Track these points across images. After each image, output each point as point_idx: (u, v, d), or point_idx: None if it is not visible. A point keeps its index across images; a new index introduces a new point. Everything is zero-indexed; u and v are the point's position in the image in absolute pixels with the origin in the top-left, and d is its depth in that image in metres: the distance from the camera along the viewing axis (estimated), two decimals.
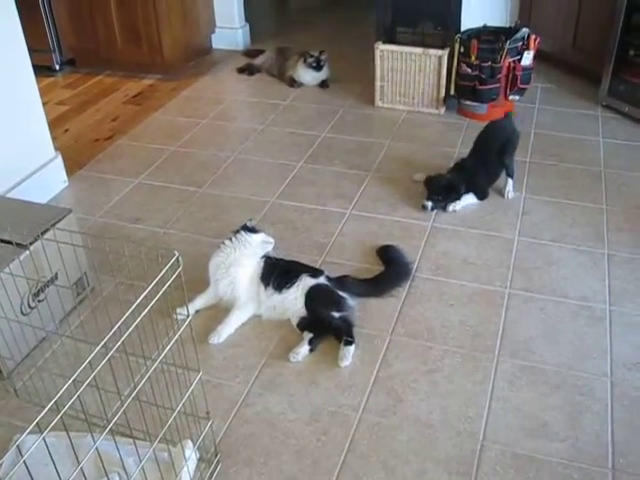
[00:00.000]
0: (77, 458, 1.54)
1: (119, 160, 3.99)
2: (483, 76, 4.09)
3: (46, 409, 1.35)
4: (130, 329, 1.56)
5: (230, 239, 2.76)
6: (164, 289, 1.64)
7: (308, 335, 2.60)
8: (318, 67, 4.82)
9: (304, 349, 2.55)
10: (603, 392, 2.38)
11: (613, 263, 3.02)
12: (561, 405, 2.34)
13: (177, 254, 1.68)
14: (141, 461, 1.81)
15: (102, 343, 1.48)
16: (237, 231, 2.78)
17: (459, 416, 2.30)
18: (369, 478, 2.11)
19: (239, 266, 2.72)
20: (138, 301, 1.57)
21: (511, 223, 3.30)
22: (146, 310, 1.57)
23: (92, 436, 1.59)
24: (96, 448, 1.57)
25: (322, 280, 2.72)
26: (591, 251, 3.10)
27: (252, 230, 2.78)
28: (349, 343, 2.55)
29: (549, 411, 2.32)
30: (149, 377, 1.78)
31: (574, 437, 2.22)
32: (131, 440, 1.82)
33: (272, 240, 2.80)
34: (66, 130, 4.39)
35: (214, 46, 5.65)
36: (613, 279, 2.92)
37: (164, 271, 1.64)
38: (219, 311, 2.74)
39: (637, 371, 2.47)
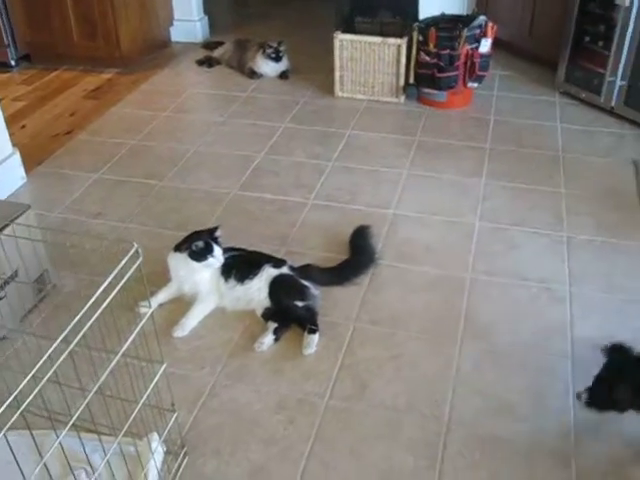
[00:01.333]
0: (40, 455, 1.52)
1: (78, 155, 3.94)
2: (442, 64, 4.11)
3: (5, 405, 1.33)
4: (91, 321, 1.54)
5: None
6: (124, 280, 1.63)
7: (272, 325, 2.60)
8: (277, 58, 4.81)
9: (269, 339, 2.55)
10: (565, 372, 2.42)
11: (572, 246, 3.07)
12: (524, 386, 2.37)
13: (136, 245, 1.67)
14: (107, 456, 1.79)
15: (61, 337, 1.46)
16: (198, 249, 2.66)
17: (424, 400, 2.32)
18: (336, 464, 2.12)
19: (200, 272, 2.71)
20: (97, 293, 1.56)
21: (472, 208, 3.33)
22: (106, 302, 1.56)
23: (55, 432, 1.57)
24: (60, 444, 1.56)
25: (285, 270, 2.72)
26: (551, 234, 3.14)
27: (215, 240, 2.69)
28: (313, 331, 2.56)
29: (513, 392, 2.35)
30: (113, 371, 1.76)
31: (538, 417, 2.26)
32: (97, 436, 1.80)
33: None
34: (23, 126, 4.32)
35: (173, 39, 5.60)
36: (573, 261, 2.97)
37: (123, 262, 1.62)
38: (183, 304, 2.73)
39: (596, 350, 2.50)
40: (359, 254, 2.96)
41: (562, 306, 2.72)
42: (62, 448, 1.58)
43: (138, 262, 1.68)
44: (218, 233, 2.72)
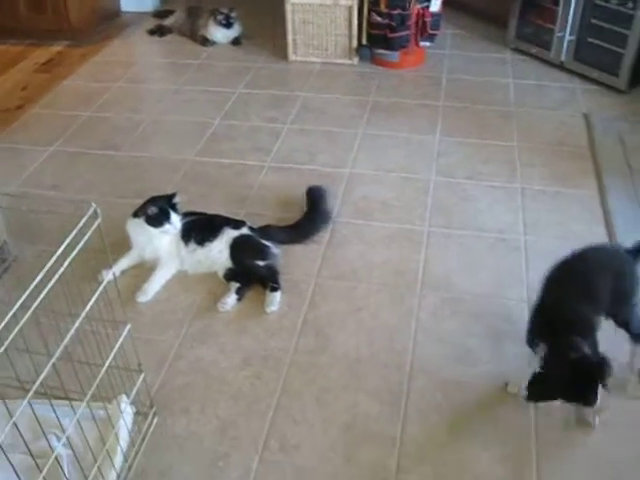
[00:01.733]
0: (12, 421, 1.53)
1: (32, 129, 3.90)
2: (393, 24, 4.14)
3: None
4: (53, 281, 1.55)
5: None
6: (85, 239, 1.64)
7: (235, 285, 2.63)
8: (228, 24, 4.78)
9: (232, 298, 2.59)
10: (522, 317, 2.48)
11: (526, 196, 3.14)
12: (483, 332, 2.45)
13: (94, 205, 1.68)
14: (73, 420, 1.81)
15: (23, 297, 1.47)
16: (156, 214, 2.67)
17: (386, 350, 2.38)
18: (303, 415, 2.17)
19: (159, 237, 2.72)
20: (58, 252, 1.57)
21: (427, 165, 3.38)
22: (68, 261, 1.58)
23: (24, 400, 1.56)
24: (31, 410, 1.57)
25: (245, 231, 2.75)
26: (505, 186, 3.21)
27: (172, 207, 2.70)
28: (275, 289, 2.60)
29: (472, 338, 2.42)
30: (80, 338, 1.78)
31: (497, 360, 2.33)
32: (67, 402, 1.82)
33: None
34: None
35: (123, 9, 5.51)
36: (527, 211, 3.04)
37: (82, 222, 1.64)
38: (145, 270, 2.75)
39: None
40: (315, 211, 2.99)
41: (518, 254, 2.80)
42: (34, 414, 1.59)
43: (97, 222, 1.69)
44: (176, 199, 2.73)
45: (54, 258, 1.57)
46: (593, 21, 4.00)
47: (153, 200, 2.71)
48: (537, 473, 1.99)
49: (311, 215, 2.97)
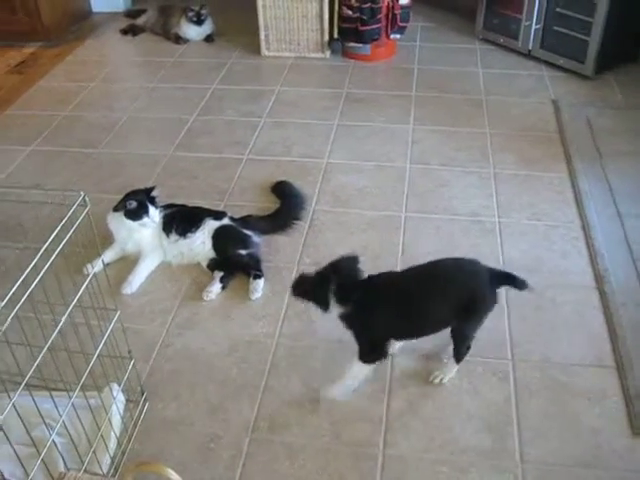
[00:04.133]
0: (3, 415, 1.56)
1: (9, 130, 3.91)
2: (364, 17, 4.21)
3: None
4: (45, 268, 1.59)
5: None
6: (75, 227, 1.68)
7: (219, 274, 2.69)
8: (199, 21, 4.82)
9: (216, 287, 2.64)
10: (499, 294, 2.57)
11: (499, 180, 3.23)
12: None
13: (83, 194, 1.73)
14: (67, 408, 1.85)
15: (11, 293, 1.47)
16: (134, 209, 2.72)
17: None
18: (290, 395, 2.24)
19: (139, 230, 2.77)
20: (48, 242, 1.62)
21: (402, 153, 3.46)
22: (60, 245, 1.62)
23: (13, 391, 1.59)
24: (17, 403, 1.59)
25: (226, 221, 2.80)
26: (478, 171, 3.30)
27: (151, 200, 2.75)
28: (258, 277, 2.66)
29: None
30: (68, 328, 1.80)
31: (477, 337, 2.39)
32: (58, 392, 1.86)
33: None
34: None
35: (94, 9, 5.52)
36: (500, 194, 3.13)
37: (73, 209, 1.69)
38: (129, 263, 2.79)
39: (526, 272, 2.63)
40: (288, 200, 3.06)
41: (492, 236, 2.88)
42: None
43: (86, 210, 1.74)
44: (155, 193, 2.78)
45: (44, 247, 1.60)
46: (558, 9, 4.10)
47: (132, 194, 2.76)
48: (519, 441, 2.07)
49: (287, 204, 3.03)
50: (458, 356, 2.24)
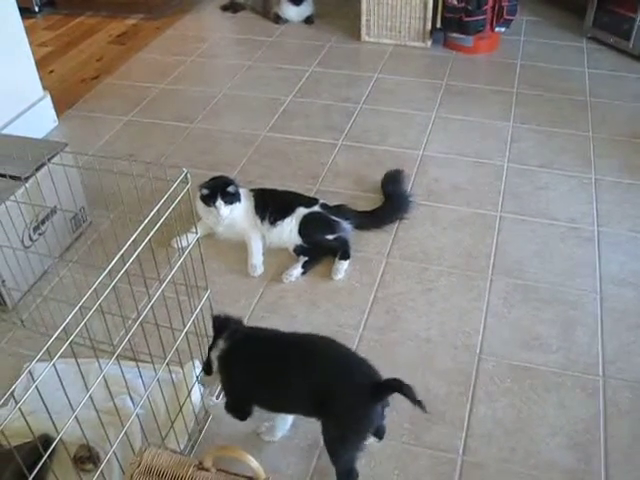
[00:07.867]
0: (85, 385, 1.58)
1: (107, 99, 3.97)
2: (469, 8, 4.09)
3: (55, 336, 1.35)
4: (144, 243, 1.59)
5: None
6: (175, 203, 1.67)
7: (303, 259, 2.67)
8: (299, 1, 4.79)
9: (297, 271, 2.63)
10: (593, 306, 2.47)
11: (600, 187, 3.09)
12: (553, 319, 2.43)
13: (185, 170, 1.72)
14: (153, 381, 1.86)
15: (113, 262, 1.47)
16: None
17: (456, 331, 2.39)
18: None
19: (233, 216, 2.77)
20: (150, 216, 1.61)
21: (500, 150, 3.36)
22: (161, 220, 1.62)
23: (98, 361, 1.57)
24: (104, 371, 1.60)
25: (316, 208, 2.76)
26: (578, 176, 3.17)
27: (224, 193, 2.73)
28: (344, 257, 2.64)
29: (542, 325, 2.41)
30: (164, 299, 1.80)
31: (566, 348, 2.31)
32: (138, 363, 1.85)
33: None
34: (51, 71, 4.36)
35: None
36: (600, 202, 3.00)
37: (175, 185, 1.67)
38: (217, 240, 2.80)
39: (623, 286, 2.56)
40: (393, 200, 2.97)
41: (590, 245, 2.76)
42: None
43: (187, 187, 1.73)
44: (230, 189, 2.73)
45: (145, 222, 1.60)
46: None
47: (213, 180, 2.78)
48: (605, 463, 1.98)
49: (389, 205, 2.95)
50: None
